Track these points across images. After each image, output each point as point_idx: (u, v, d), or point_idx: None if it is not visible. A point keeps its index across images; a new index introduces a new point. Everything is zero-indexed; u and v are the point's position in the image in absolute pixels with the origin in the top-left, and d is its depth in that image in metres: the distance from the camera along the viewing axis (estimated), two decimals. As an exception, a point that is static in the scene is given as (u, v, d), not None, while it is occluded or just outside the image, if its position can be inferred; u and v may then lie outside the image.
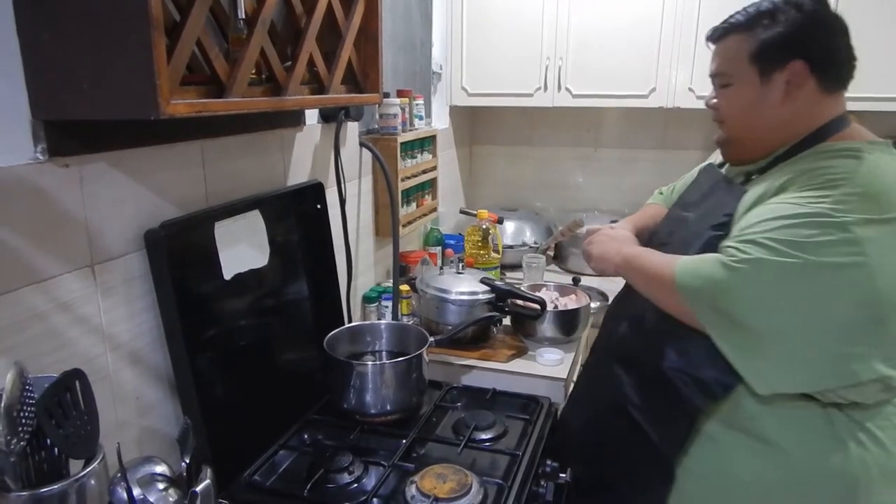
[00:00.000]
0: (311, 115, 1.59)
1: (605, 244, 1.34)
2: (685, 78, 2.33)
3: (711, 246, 1.11)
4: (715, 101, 1.21)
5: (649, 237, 1.42)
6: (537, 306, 1.67)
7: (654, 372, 1.17)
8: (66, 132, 0.91)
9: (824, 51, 1.09)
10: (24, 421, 0.74)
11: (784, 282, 0.98)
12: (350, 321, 1.72)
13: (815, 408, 1.06)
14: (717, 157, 1.39)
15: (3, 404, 0.71)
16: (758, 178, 1.15)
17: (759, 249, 0.99)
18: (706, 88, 2.25)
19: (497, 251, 2.22)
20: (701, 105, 2.30)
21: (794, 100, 1.10)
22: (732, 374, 1.06)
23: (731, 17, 1.16)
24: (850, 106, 1.14)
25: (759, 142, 1.17)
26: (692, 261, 1.08)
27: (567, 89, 2.45)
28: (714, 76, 1.20)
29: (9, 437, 0.72)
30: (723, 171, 1.30)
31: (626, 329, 1.31)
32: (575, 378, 2.02)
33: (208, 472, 0.85)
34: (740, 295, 1.01)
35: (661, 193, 1.63)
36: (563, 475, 1.34)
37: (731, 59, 1.15)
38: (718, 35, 1.18)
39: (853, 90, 1.13)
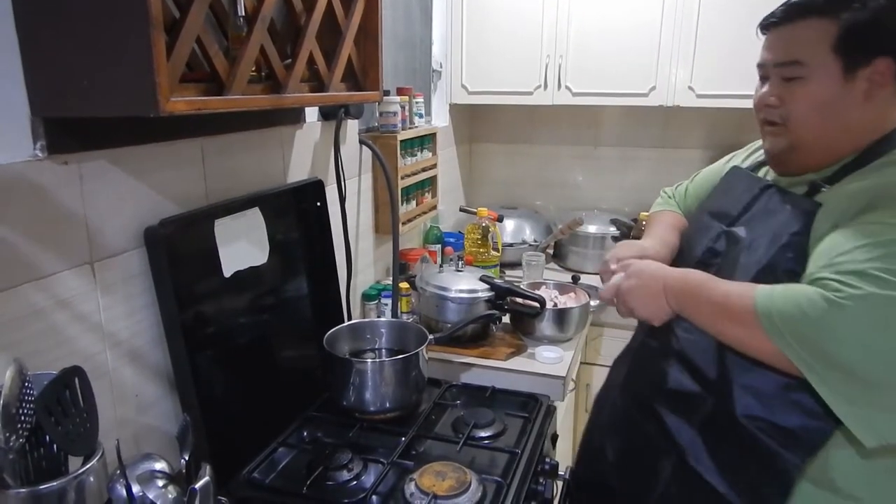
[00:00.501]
0: (311, 113, 1.59)
1: (643, 287, 1.07)
2: (685, 76, 2.33)
3: (786, 273, 0.96)
4: (774, 97, 1.02)
5: (680, 257, 1.22)
6: (537, 304, 1.67)
7: (725, 420, 0.99)
8: (66, 129, 0.91)
9: None
10: (23, 418, 0.74)
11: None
12: (350, 319, 1.72)
13: None
14: (740, 156, 1.26)
15: (1, 401, 0.71)
16: (828, 190, 0.99)
17: (869, 283, 0.83)
18: (706, 87, 2.31)
19: (497, 249, 2.22)
20: (701, 103, 2.34)
21: (874, 102, 0.96)
22: (823, 419, 0.91)
23: None
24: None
25: (829, 148, 1.00)
26: (780, 294, 0.89)
27: (567, 87, 2.45)
28: (779, 65, 1.01)
29: (8, 434, 0.72)
30: (767, 177, 1.13)
31: (673, 366, 1.09)
32: (574, 375, 2.02)
33: (207, 469, 0.85)
34: (849, 336, 0.84)
35: (671, 197, 1.43)
36: (562, 473, 1.34)
37: (809, 45, 0.97)
38: (787, 16, 0.99)
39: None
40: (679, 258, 1.23)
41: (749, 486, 0.98)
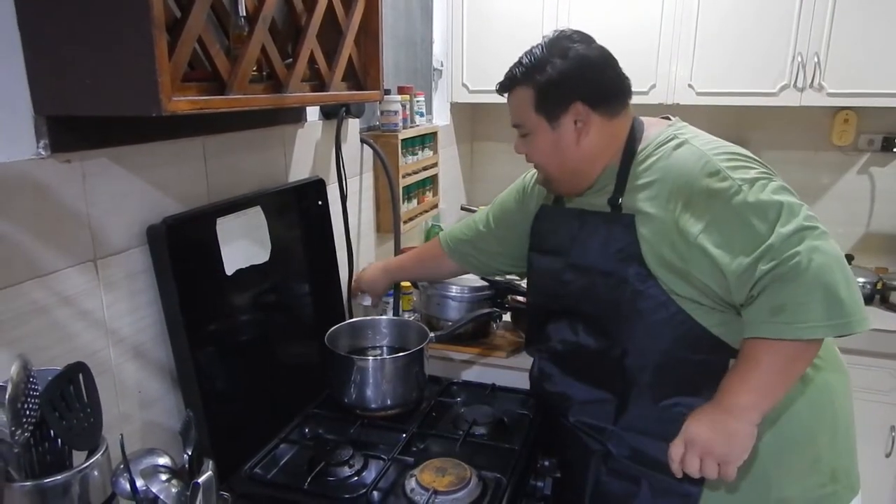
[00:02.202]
0: (313, 112, 1.59)
1: (730, 441, 1.04)
2: (685, 74, 2.33)
3: (623, 278, 1.18)
4: (521, 148, 1.27)
5: (532, 295, 1.43)
6: (537, 302, 1.68)
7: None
8: (69, 128, 0.92)
9: (595, 88, 1.18)
10: (28, 413, 0.75)
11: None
12: (351, 317, 1.73)
13: None
14: (529, 182, 1.44)
15: (7, 396, 0.72)
16: (623, 202, 1.19)
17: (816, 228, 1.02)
18: (706, 85, 2.31)
19: (497, 247, 2.22)
20: (701, 101, 2.35)
21: (587, 135, 1.18)
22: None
23: (513, 68, 1.22)
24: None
25: (578, 175, 1.23)
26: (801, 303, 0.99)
27: (567, 86, 2.45)
28: (514, 126, 1.26)
29: (13, 429, 0.73)
30: (568, 204, 1.32)
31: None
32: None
33: (210, 464, 0.86)
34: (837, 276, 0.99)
35: (444, 234, 1.60)
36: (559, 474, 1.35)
37: (520, 110, 1.21)
38: (506, 88, 1.24)
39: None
40: (531, 297, 1.44)
41: None
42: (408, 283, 1.86)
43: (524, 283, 1.85)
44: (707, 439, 1.04)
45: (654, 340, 1.18)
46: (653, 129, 1.23)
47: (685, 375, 1.18)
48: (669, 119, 1.26)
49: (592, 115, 1.18)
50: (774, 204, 1.03)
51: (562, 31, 1.21)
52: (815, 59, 2.16)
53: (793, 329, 0.99)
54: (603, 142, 1.20)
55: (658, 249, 1.14)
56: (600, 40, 1.21)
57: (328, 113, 1.65)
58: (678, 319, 1.15)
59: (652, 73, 2.35)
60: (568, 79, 1.16)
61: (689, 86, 2.33)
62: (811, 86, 2.18)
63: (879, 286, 2.20)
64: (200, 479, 0.82)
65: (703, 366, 1.16)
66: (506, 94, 1.25)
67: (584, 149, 1.20)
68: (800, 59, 2.17)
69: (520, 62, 1.21)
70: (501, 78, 1.24)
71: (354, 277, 1.69)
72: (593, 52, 1.18)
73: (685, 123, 1.24)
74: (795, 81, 2.19)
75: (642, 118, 1.25)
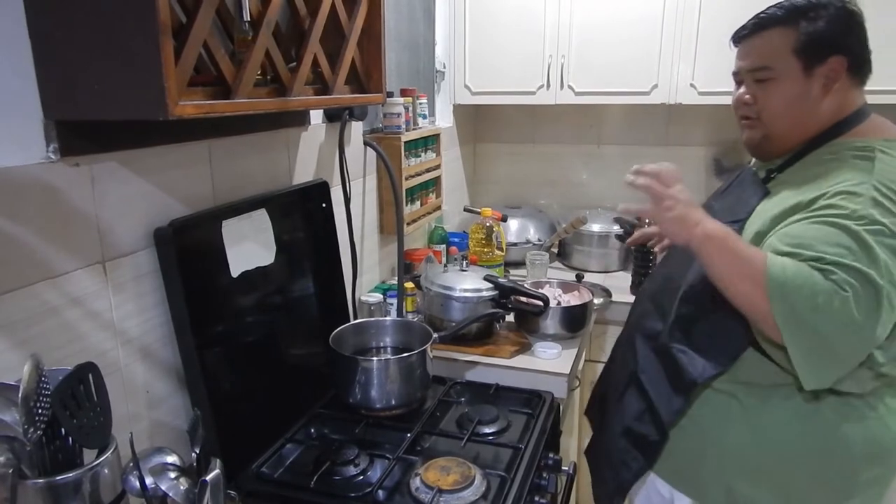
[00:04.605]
0: (316, 115, 1.61)
1: (688, 209, 1.12)
2: (687, 74, 2.34)
3: None
4: (749, 96, 1.20)
5: None
6: (540, 303, 1.69)
7: (662, 346, 1.24)
8: (77, 132, 0.94)
9: (860, 47, 1.13)
10: (40, 411, 0.76)
11: (875, 307, 0.97)
12: (355, 318, 1.74)
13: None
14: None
15: (20, 395, 0.74)
16: (777, 177, 1.19)
17: (854, 276, 0.97)
18: (708, 85, 2.31)
19: (501, 248, 2.24)
20: (703, 101, 2.35)
21: (830, 94, 1.14)
22: (726, 362, 1.15)
23: (765, 11, 1.16)
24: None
25: (795, 136, 1.18)
26: (792, 269, 1.00)
27: (570, 87, 2.46)
28: (751, 71, 1.19)
29: (26, 427, 0.74)
30: (752, 164, 1.32)
31: (648, 307, 1.34)
32: (580, 373, 2.04)
33: (218, 462, 0.87)
34: (837, 320, 0.97)
35: None
36: (566, 469, 1.36)
37: (774, 52, 1.15)
38: (754, 29, 1.18)
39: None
40: None
41: (665, 392, 1.23)
42: (411, 284, 1.87)
43: (528, 284, 1.87)
44: (674, 215, 1.11)
45: (699, 286, 1.18)
46: (872, 128, 1.16)
47: (701, 328, 1.19)
48: None
49: (845, 75, 1.13)
50: (869, 252, 0.98)
51: None
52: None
53: (778, 294, 0.98)
54: (835, 108, 1.15)
55: (754, 225, 1.14)
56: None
57: (331, 116, 1.66)
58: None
59: (654, 72, 2.36)
60: (841, 29, 1.11)
61: (692, 85, 2.34)
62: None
63: None
64: (208, 478, 0.84)
65: (719, 324, 1.15)
66: (740, 43, 1.20)
67: (821, 108, 1.15)
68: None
69: (779, 5, 1.16)
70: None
71: None
72: (860, 11, 1.14)
73: None
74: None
75: (878, 116, 1.18)
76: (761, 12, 1.17)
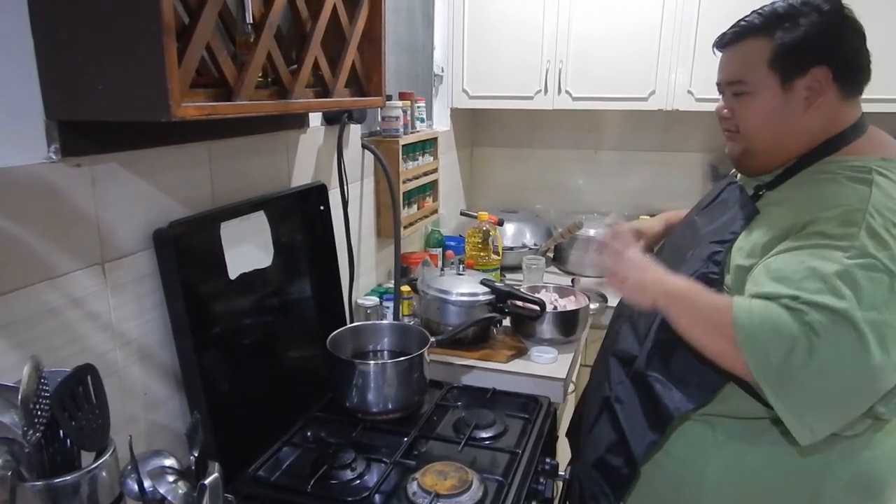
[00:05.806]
0: (315, 118, 1.61)
1: (642, 274, 1.11)
2: (684, 80, 2.35)
3: (710, 260, 1.10)
4: (727, 110, 1.14)
5: (666, 239, 1.41)
6: (537, 307, 1.69)
7: (638, 374, 1.18)
8: (79, 132, 0.93)
9: (846, 56, 1.04)
10: (39, 413, 0.76)
11: (861, 349, 0.90)
12: (352, 321, 1.74)
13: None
14: None
15: (20, 396, 0.73)
16: (767, 195, 1.12)
17: (834, 318, 0.90)
18: (705, 91, 2.33)
19: (497, 253, 2.24)
20: (700, 107, 2.36)
21: (816, 107, 1.05)
22: (706, 395, 1.09)
23: (744, 19, 1.09)
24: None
25: (779, 153, 1.11)
26: (759, 315, 0.94)
27: (567, 92, 2.48)
28: (727, 84, 1.12)
29: (26, 429, 0.74)
30: (738, 178, 1.25)
31: (626, 329, 1.28)
32: (575, 377, 2.04)
33: (216, 466, 0.86)
34: (816, 366, 0.91)
35: None
36: (562, 473, 1.36)
37: (748, 64, 1.08)
38: (732, 39, 1.10)
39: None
40: (664, 244, 1.41)
41: (639, 426, 1.17)
42: (407, 288, 1.87)
43: (524, 288, 1.88)
44: (632, 280, 1.12)
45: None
46: (870, 144, 1.07)
47: (680, 357, 1.12)
48: None
49: (831, 87, 1.03)
50: (856, 289, 0.90)
51: None
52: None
53: (745, 340, 0.94)
54: (824, 123, 1.06)
55: (742, 253, 1.07)
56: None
57: (330, 118, 1.66)
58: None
59: (651, 78, 2.38)
60: (819, 37, 1.02)
61: (689, 92, 2.36)
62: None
63: None
64: (207, 481, 0.83)
65: (699, 354, 1.06)
66: (721, 51, 1.13)
67: (804, 123, 1.06)
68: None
69: (757, 12, 1.07)
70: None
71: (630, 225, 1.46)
72: (849, 17, 1.04)
73: None
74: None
75: (877, 129, 1.11)
76: (743, 18, 1.09)
